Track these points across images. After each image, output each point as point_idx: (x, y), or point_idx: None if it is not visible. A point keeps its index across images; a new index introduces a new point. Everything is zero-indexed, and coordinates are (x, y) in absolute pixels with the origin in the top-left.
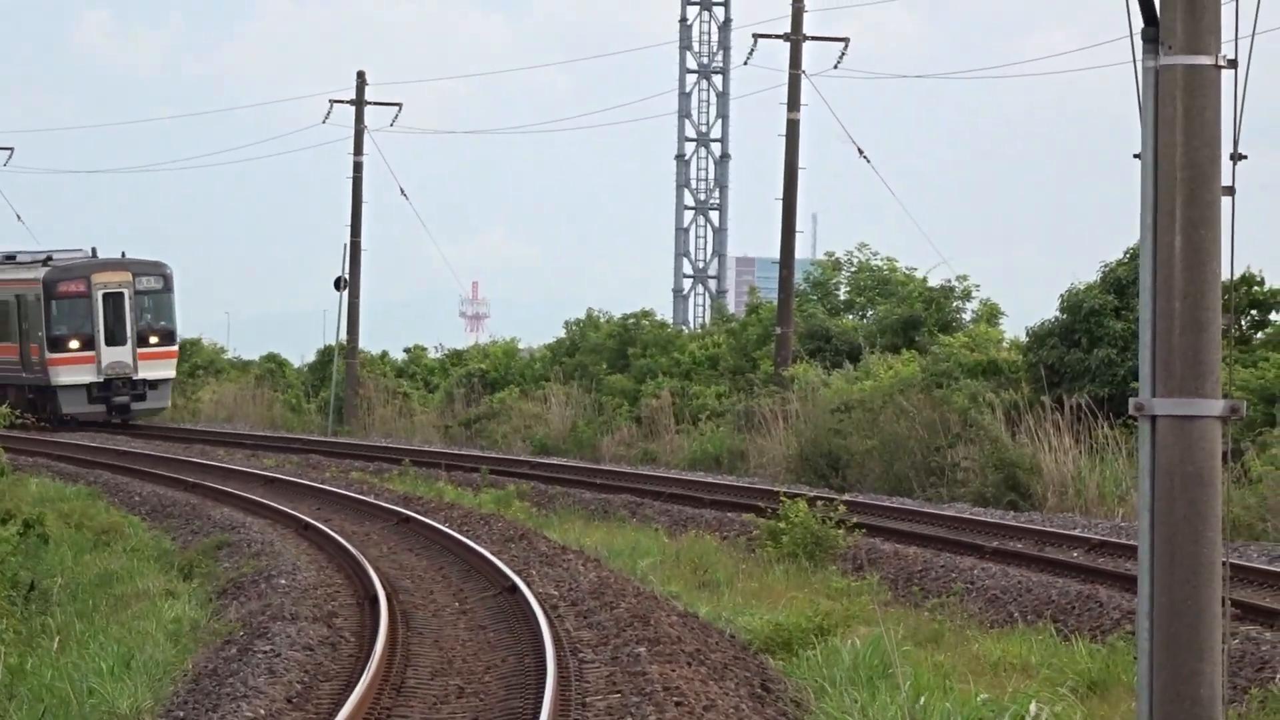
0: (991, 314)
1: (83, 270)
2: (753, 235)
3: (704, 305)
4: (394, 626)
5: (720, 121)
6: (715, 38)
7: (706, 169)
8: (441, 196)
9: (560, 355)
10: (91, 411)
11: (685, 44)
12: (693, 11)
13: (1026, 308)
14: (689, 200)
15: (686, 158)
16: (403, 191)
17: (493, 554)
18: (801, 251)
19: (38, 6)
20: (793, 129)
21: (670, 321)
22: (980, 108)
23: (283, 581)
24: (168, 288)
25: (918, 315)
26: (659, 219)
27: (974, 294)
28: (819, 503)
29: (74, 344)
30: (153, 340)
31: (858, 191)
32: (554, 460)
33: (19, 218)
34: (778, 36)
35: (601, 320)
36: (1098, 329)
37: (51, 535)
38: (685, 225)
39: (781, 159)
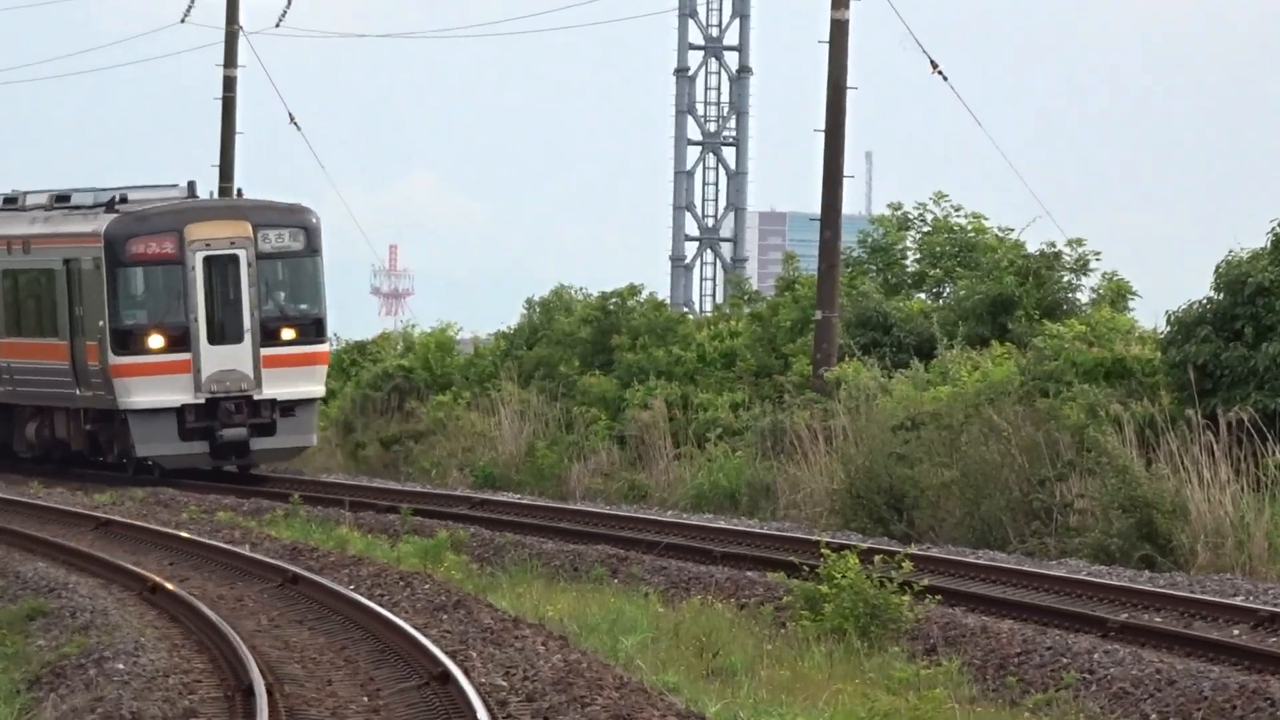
0: (1118, 293)
1: (170, 219)
2: (782, 182)
3: (715, 279)
4: None
5: (738, 23)
6: None
7: (719, 88)
8: (348, 127)
9: (515, 348)
10: (185, 454)
11: None
12: None
13: (1158, 285)
14: (694, 132)
15: (690, 72)
16: (293, 119)
17: (417, 629)
18: (852, 205)
19: None
20: (839, 32)
21: (669, 302)
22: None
23: (120, 666)
24: (311, 248)
25: (1012, 293)
26: (652, 160)
27: (1092, 265)
28: (876, 558)
29: (155, 341)
30: (286, 335)
31: (927, 122)
32: (504, 497)
33: None
34: None
35: (575, 300)
36: (1267, 315)
37: None
38: (688, 167)
39: (823, 74)
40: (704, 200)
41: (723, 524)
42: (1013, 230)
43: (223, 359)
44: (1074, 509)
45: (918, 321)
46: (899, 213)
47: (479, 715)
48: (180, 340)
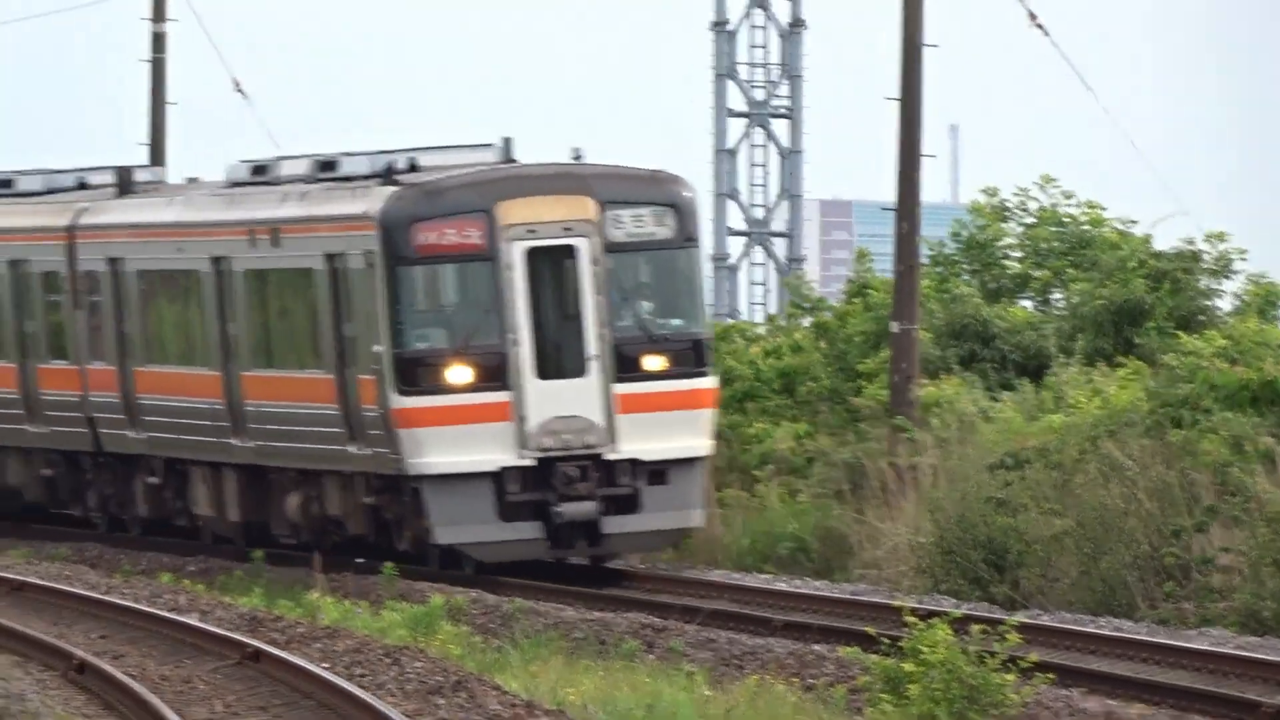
0: (1266, 300)
1: (475, 194)
2: (847, 163)
3: (767, 282)
4: None
5: None
6: None
7: (766, 46)
8: (306, 97)
9: None
10: (509, 540)
11: None
12: None
13: None
14: (737, 101)
15: (731, 26)
16: (238, 86)
17: (408, 717)
18: (933, 191)
19: None
20: None
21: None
22: None
23: None
24: (684, 235)
25: (1142, 301)
26: (686, 136)
27: (1235, 266)
28: (973, 627)
29: (457, 374)
30: (651, 364)
31: (1024, 89)
32: None
33: None
34: None
35: None
36: None
37: None
38: (731, 145)
39: (896, 30)
40: (751, 186)
41: (783, 585)
42: (1136, 223)
43: (558, 401)
44: (1216, 566)
45: (1025, 334)
46: (996, 199)
47: None
48: (495, 374)
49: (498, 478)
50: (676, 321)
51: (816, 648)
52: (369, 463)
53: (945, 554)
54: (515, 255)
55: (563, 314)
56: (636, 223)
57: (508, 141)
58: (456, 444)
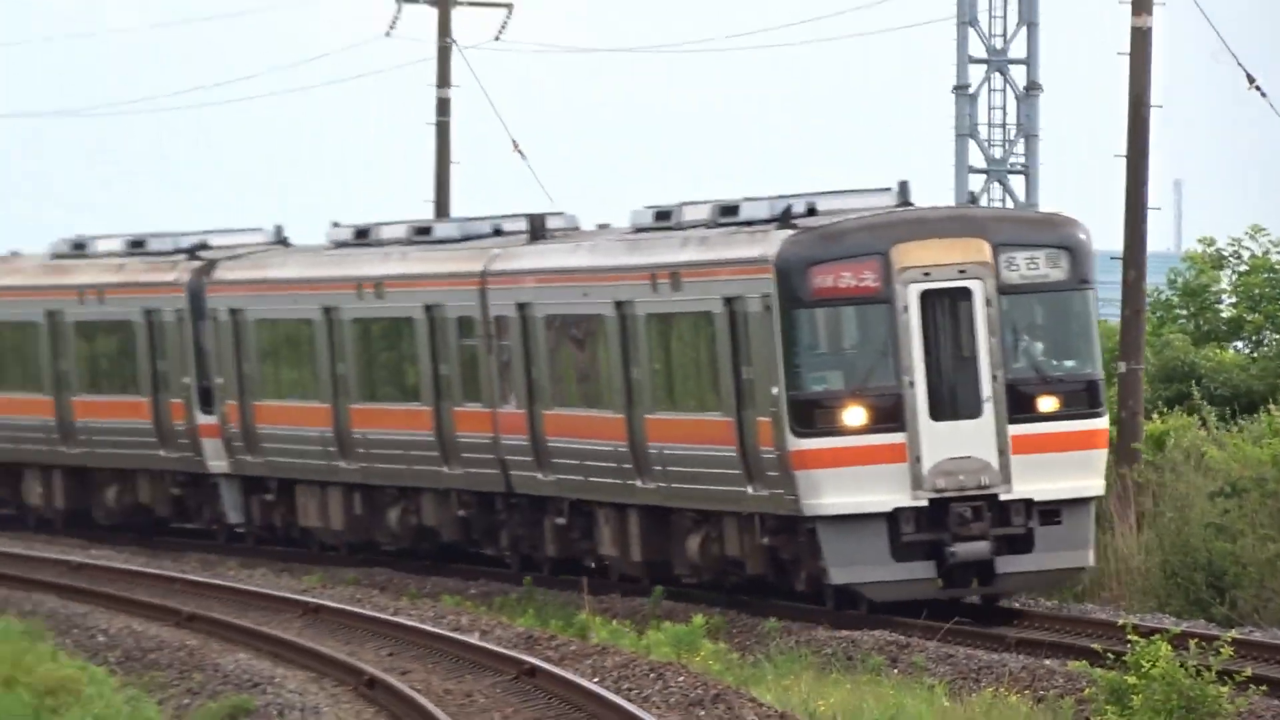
0: None
1: (870, 238)
2: (1079, 215)
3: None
4: None
5: (1025, 32)
6: None
7: (1004, 107)
8: (581, 154)
9: None
10: (903, 580)
11: None
12: None
13: None
14: (976, 159)
15: (971, 90)
16: (516, 146)
17: None
18: (1159, 241)
19: None
20: (1140, 42)
21: None
22: None
23: None
24: (1079, 277)
25: None
26: (932, 189)
27: None
28: (1191, 643)
29: (853, 416)
30: (1045, 405)
31: (1245, 146)
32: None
33: None
34: None
35: None
36: None
37: None
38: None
39: (1123, 91)
40: None
41: (1016, 605)
42: None
43: (952, 442)
44: None
45: (1232, 375)
46: (1211, 249)
47: None
48: (889, 415)
49: (892, 518)
50: (1070, 363)
51: (1048, 662)
52: (766, 503)
53: (1168, 576)
54: (910, 298)
55: (957, 356)
56: (1030, 265)
57: (904, 185)
58: (852, 485)
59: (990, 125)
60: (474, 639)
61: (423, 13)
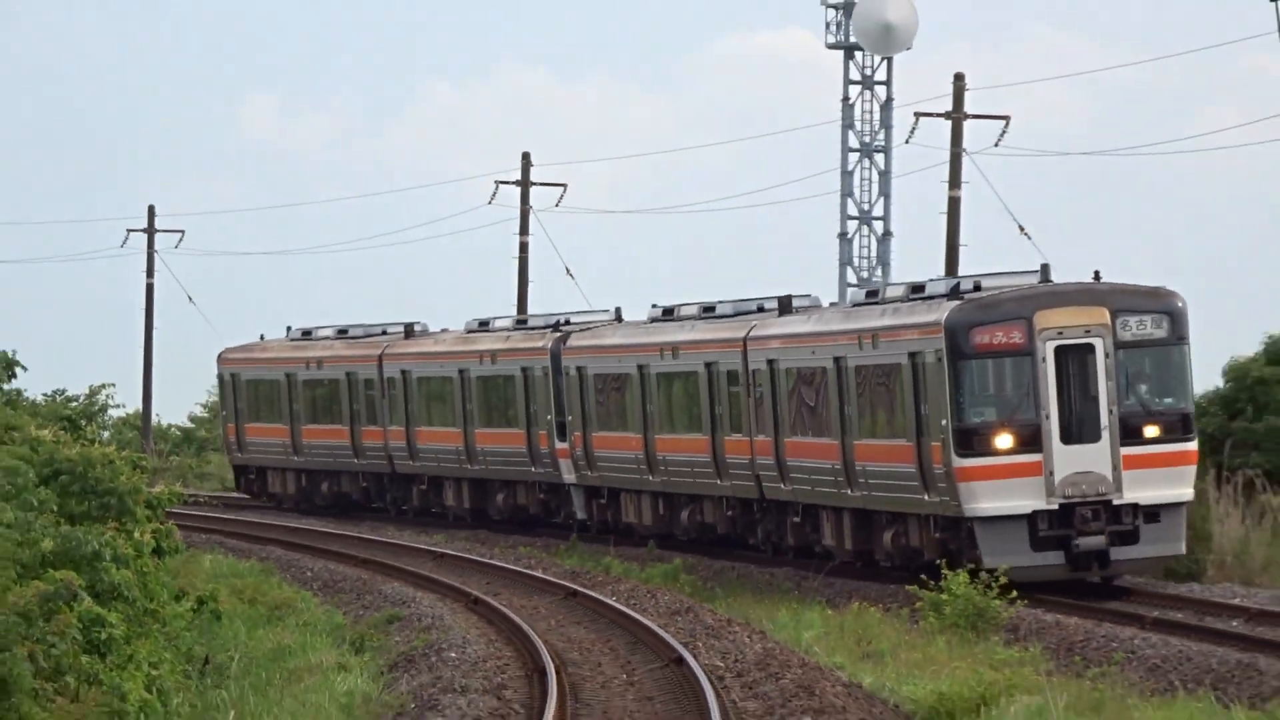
0: None
1: (1018, 306)
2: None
3: None
4: (563, 699)
5: (882, 200)
6: (877, 117)
7: (869, 247)
8: (607, 273)
9: None
10: (1037, 565)
11: (847, 123)
12: (854, 91)
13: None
14: (851, 278)
15: (849, 235)
16: (568, 270)
17: (660, 627)
18: None
19: (206, 89)
20: (954, 207)
21: None
22: (1145, 184)
23: (453, 654)
24: (1176, 335)
25: None
26: (822, 297)
27: None
28: (981, 574)
29: (1003, 441)
30: (1149, 432)
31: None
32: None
33: (190, 299)
34: (939, 115)
35: None
36: (1263, 397)
37: (225, 611)
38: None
39: (943, 237)
40: None
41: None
42: None
43: (1078, 460)
44: None
45: None
46: None
47: (704, 687)
48: (1030, 440)
49: (1031, 518)
50: (1169, 400)
51: (892, 587)
52: (937, 507)
53: None
54: (1048, 351)
55: (1083, 394)
56: (1140, 326)
57: (1045, 267)
58: (1000, 493)
59: (860, 257)
60: (538, 573)
61: (509, 191)
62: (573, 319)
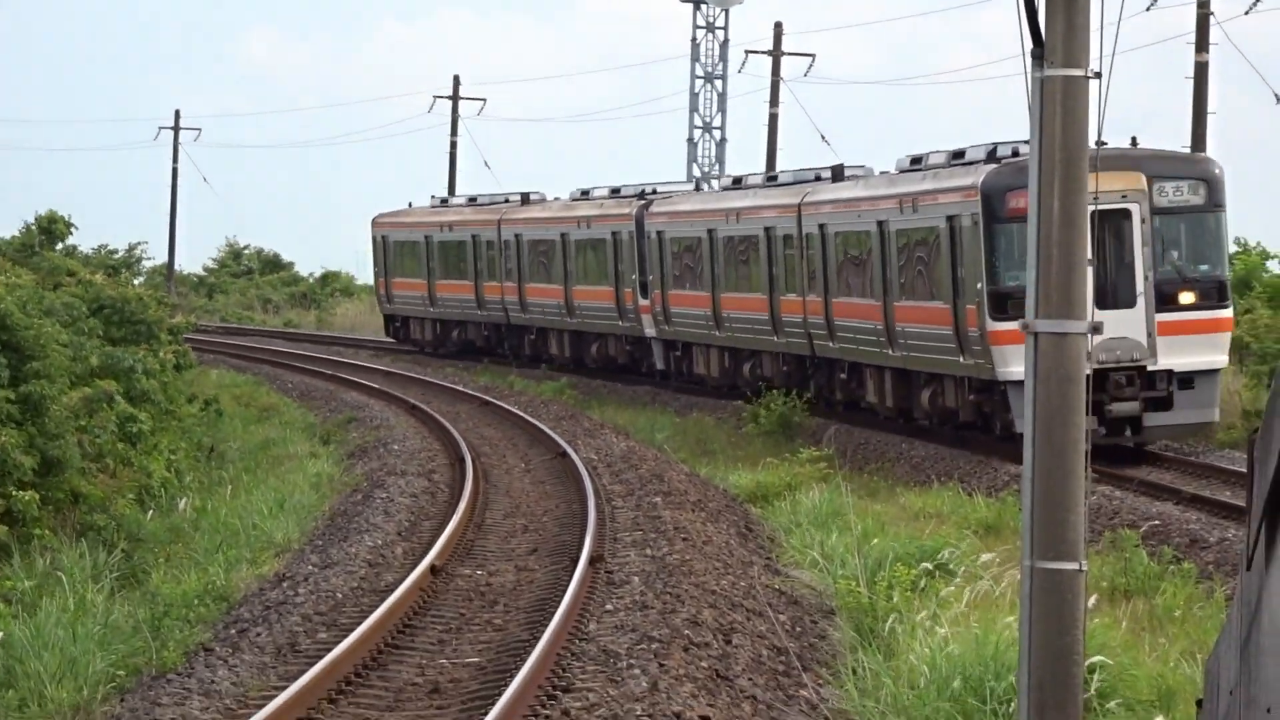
0: None
1: None
2: None
3: None
4: (477, 480)
5: (720, 115)
6: (717, 53)
7: (710, 150)
8: (515, 168)
9: None
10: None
11: (694, 58)
12: (700, 34)
13: None
14: (696, 172)
15: (695, 141)
16: (486, 163)
17: (549, 428)
18: None
19: (219, 21)
20: (773, 122)
21: None
22: (910, 108)
23: (396, 447)
24: (1213, 202)
25: None
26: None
27: None
28: (793, 392)
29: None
30: (1184, 299)
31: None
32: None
33: (205, 180)
34: (764, 52)
35: None
36: None
37: (226, 411)
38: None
39: (765, 143)
40: None
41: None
42: None
43: (1114, 326)
44: None
45: None
46: None
47: (581, 472)
48: None
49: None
50: (1204, 267)
51: (724, 402)
52: (972, 370)
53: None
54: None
55: (1120, 260)
56: (1176, 192)
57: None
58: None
59: (703, 158)
60: (460, 387)
61: (443, 104)
62: (660, 188)
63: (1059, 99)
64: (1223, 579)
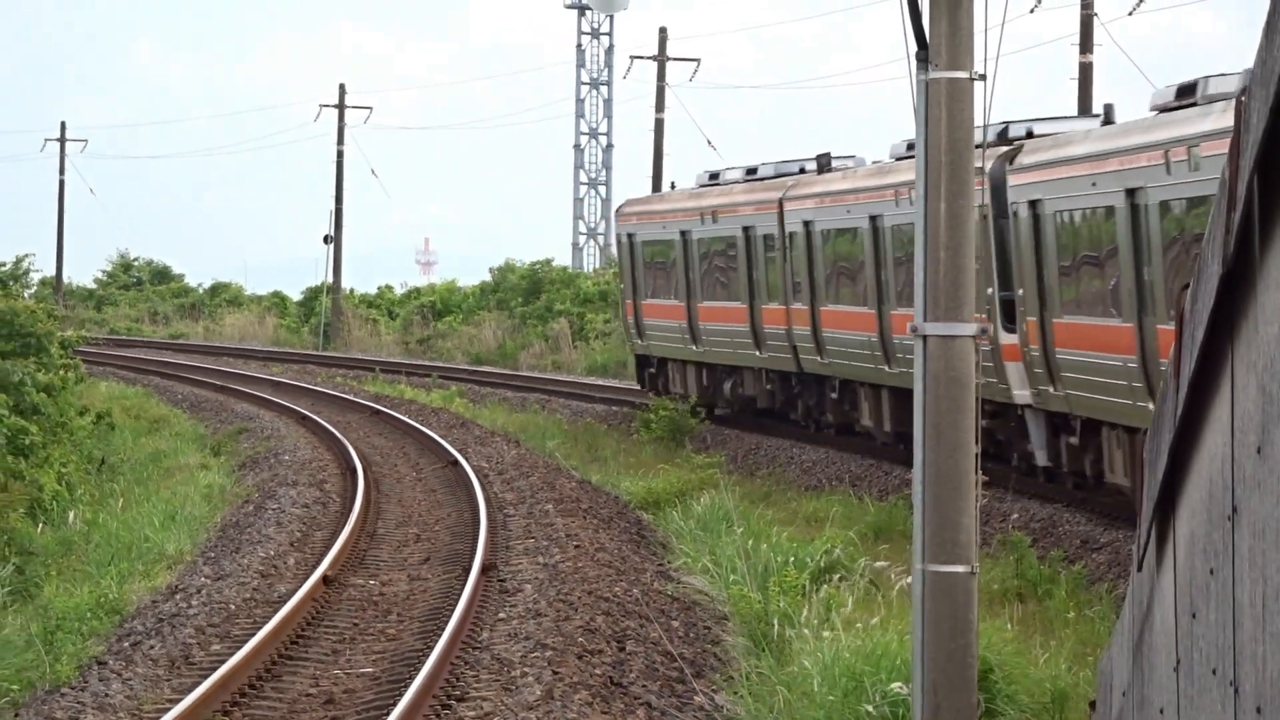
0: None
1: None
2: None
3: (595, 255)
4: (368, 490)
5: (606, 120)
6: (602, 59)
7: (596, 156)
8: (402, 176)
9: (488, 291)
10: None
11: (580, 64)
12: (586, 40)
13: None
14: (583, 178)
15: (581, 147)
16: (373, 171)
17: (440, 437)
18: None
19: (108, 33)
20: (659, 126)
21: (569, 266)
22: (797, 112)
23: (287, 457)
24: None
25: None
26: (560, 193)
27: None
28: (681, 398)
29: None
30: None
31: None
32: (485, 369)
33: (91, 191)
34: (649, 57)
35: (517, 266)
36: None
37: (117, 424)
38: (580, 196)
39: (651, 148)
40: (589, 214)
41: (600, 382)
42: None
43: None
44: None
45: None
46: None
47: (473, 481)
48: None
49: None
50: None
51: (614, 408)
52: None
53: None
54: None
55: None
56: None
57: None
58: None
59: (590, 163)
60: (350, 397)
61: (330, 112)
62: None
63: (944, 101)
64: (1113, 580)
